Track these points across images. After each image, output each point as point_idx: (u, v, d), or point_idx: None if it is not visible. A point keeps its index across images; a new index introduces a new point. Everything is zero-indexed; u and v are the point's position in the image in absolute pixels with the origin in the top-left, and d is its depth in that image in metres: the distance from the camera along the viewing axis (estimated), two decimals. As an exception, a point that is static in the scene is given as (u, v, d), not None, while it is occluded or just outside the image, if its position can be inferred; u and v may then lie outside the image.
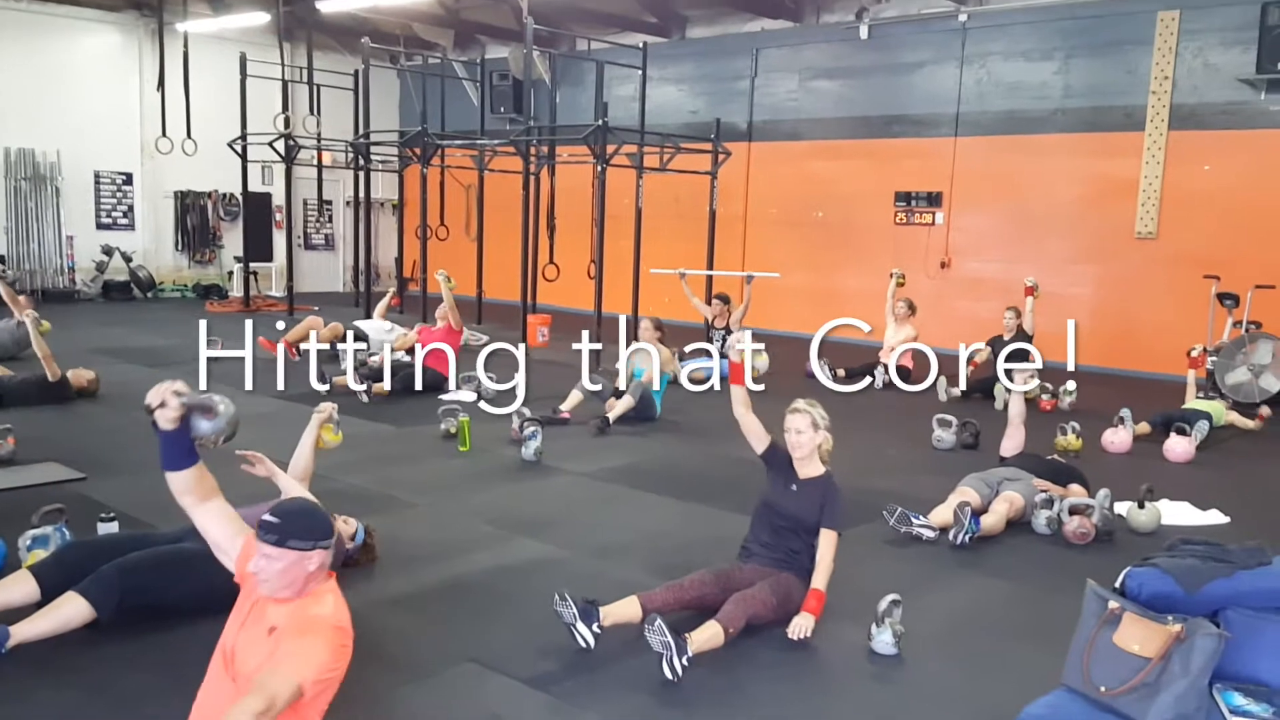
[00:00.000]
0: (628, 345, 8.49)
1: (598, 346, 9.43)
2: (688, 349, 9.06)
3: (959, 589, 4.55)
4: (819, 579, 3.94)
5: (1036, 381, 6.19)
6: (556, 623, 3.80)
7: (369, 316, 10.95)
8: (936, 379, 9.28)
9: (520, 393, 8.29)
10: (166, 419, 2.72)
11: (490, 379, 8.19)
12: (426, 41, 16.57)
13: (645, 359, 7.81)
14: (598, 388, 7.67)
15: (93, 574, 3.51)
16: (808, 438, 4.15)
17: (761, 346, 4.50)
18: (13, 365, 8.14)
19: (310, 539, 2.58)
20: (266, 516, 2.59)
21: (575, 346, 7.51)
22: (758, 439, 4.28)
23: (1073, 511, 5.23)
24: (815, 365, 7.69)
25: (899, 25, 12.50)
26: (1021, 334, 9.33)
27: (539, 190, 12.16)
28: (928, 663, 3.72)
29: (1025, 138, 11.70)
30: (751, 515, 4.25)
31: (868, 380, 9.66)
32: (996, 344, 9.43)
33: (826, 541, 3.99)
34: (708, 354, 9.55)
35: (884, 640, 3.72)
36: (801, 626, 3.80)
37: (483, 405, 7.01)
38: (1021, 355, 8.88)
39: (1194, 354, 8.53)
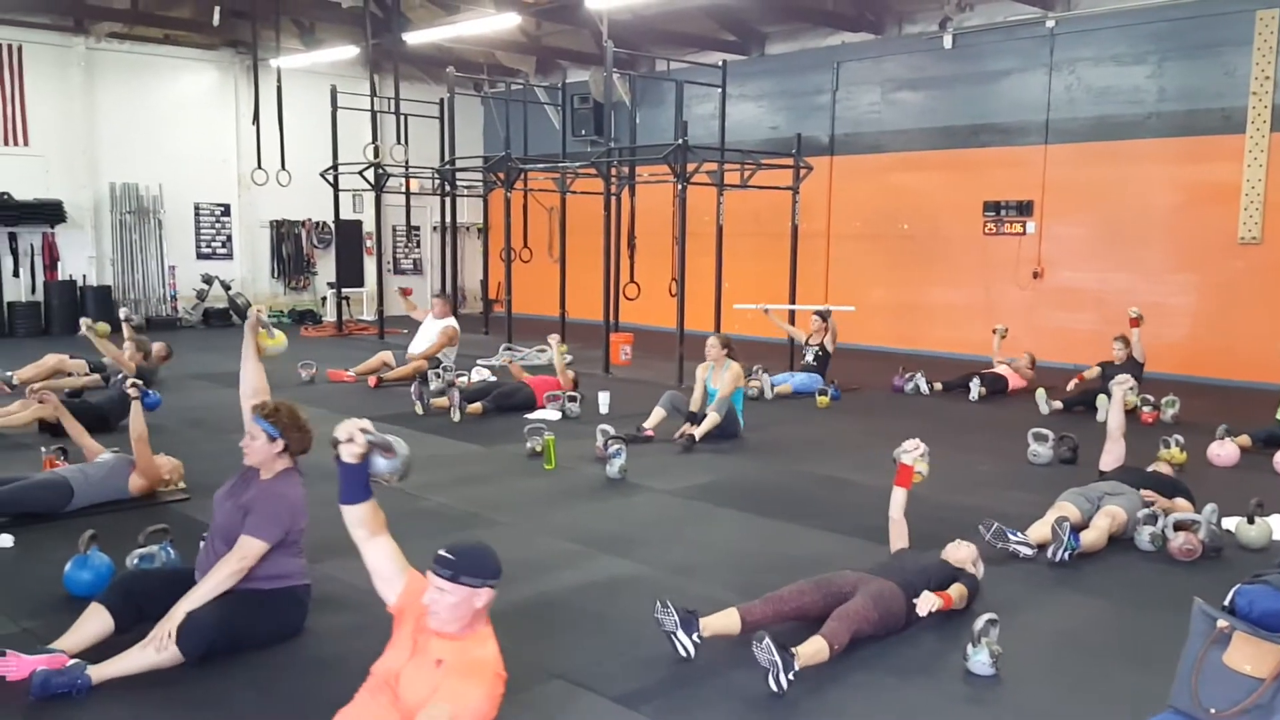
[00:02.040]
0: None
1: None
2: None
3: (1059, 608, 4.40)
4: (952, 591, 4.08)
5: (1135, 389, 5.93)
6: (643, 640, 3.80)
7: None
8: (1035, 391, 9.15)
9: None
10: (351, 454, 2.92)
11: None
12: (509, 68, 16.88)
13: (716, 376, 7.78)
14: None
15: (189, 620, 3.50)
16: (964, 554, 4.34)
17: (926, 450, 4.47)
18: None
19: (480, 577, 2.75)
20: (442, 552, 2.75)
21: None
22: (902, 542, 4.45)
23: (1178, 528, 5.02)
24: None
25: (984, 34, 12.30)
26: (1132, 362, 9.08)
27: (620, 210, 12.24)
28: (1027, 684, 3.61)
29: (1118, 143, 11.37)
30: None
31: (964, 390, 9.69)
32: (1108, 368, 9.24)
33: (962, 588, 4.17)
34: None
35: (981, 661, 3.61)
36: (928, 601, 3.92)
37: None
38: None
39: None
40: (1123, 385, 5.68)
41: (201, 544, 3.99)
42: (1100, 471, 5.65)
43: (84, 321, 7.74)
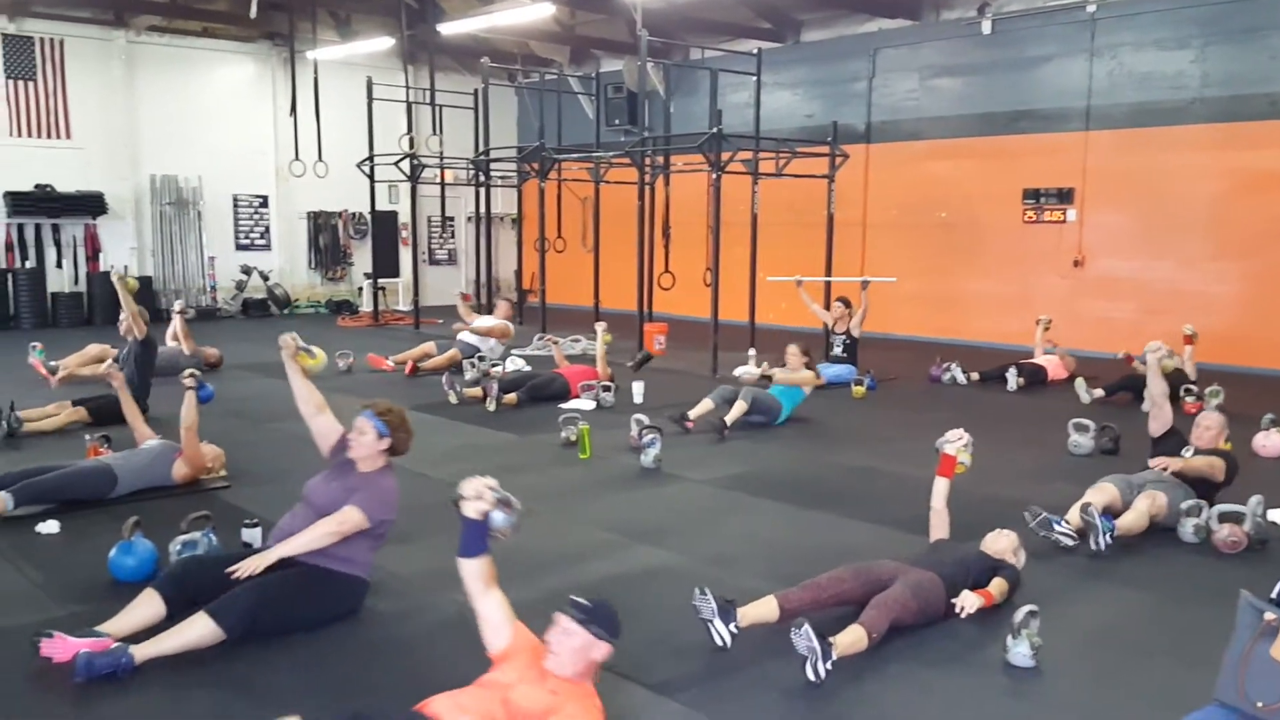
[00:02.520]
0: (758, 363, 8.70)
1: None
2: None
3: (1100, 600, 4.35)
4: (993, 588, 4.07)
5: (1171, 353, 5.83)
6: (679, 629, 3.80)
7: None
8: (1075, 380, 9.04)
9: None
10: (477, 510, 3.06)
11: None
12: (543, 58, 16.88)
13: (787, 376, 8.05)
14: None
15: (227, 596, 3.60)
16: (1004, 545, 4.33)
17: (970, 440, 4.47)
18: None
19: (606, 630, 2.96)
20: (578, 599, 2.99)
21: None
22: (942, 532, 4.47)
23: (1223, 519, 4.95)
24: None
25: (1023, 19, 12.13)
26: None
27: (654, 200, 12.21)
28: (1067, 676, 3.57)
29: (1161, 129, 11.18)
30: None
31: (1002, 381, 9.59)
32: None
33: (1003, 583, 4.14)
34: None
35: (1021, 652, 3.58)
36: (970, 601, 3.92)
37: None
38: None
39: None
40: (1158, 353, 5.60)
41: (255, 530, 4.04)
42: (1152, 439, 5.58)
43: (115, 273, 7.94)
